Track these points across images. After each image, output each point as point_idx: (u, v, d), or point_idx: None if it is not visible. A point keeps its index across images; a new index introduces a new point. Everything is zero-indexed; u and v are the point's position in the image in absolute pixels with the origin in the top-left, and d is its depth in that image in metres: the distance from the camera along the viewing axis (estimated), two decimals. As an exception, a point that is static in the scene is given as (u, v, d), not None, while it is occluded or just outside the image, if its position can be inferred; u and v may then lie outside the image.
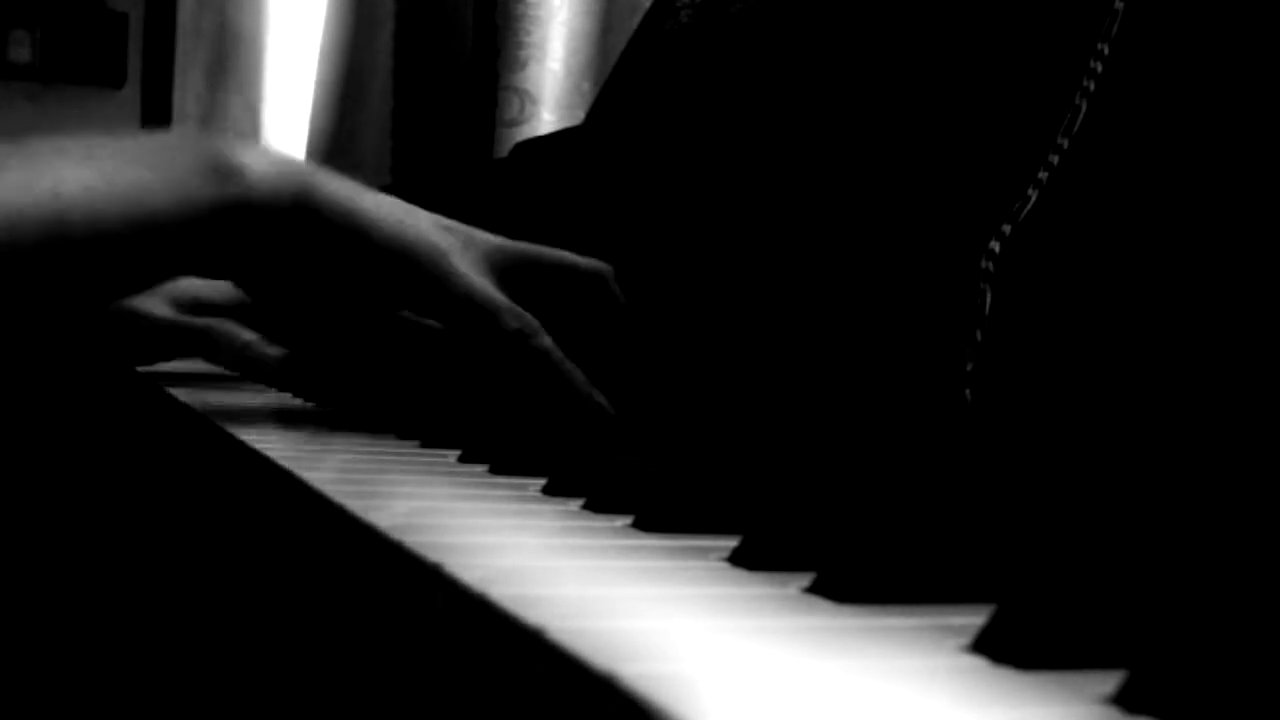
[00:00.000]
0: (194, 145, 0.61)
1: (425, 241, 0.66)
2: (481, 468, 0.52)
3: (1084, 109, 0.50)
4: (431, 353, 0.74)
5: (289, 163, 0.64)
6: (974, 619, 0.26)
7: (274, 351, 0.85)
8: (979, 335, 0.49)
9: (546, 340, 0.67)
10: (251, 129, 2.66)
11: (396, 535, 0.34)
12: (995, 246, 0.50)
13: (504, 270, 0.69)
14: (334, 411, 0.77)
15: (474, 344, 0.67)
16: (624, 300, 0.73)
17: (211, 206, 0.60)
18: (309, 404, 0.83)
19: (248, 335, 0.87)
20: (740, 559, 0.33)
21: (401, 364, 0.77)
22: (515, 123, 1.43)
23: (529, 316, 0.67)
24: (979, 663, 0.24)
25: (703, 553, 0.34)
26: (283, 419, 0.69)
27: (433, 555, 0.31)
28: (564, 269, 0.71)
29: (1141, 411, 0.42)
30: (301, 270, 0.66)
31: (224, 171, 0.61)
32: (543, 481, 0.46)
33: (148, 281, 0.62)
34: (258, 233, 0.62)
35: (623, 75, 1.01)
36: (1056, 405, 0.46)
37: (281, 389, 0.90)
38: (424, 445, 0.60)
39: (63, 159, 0.57)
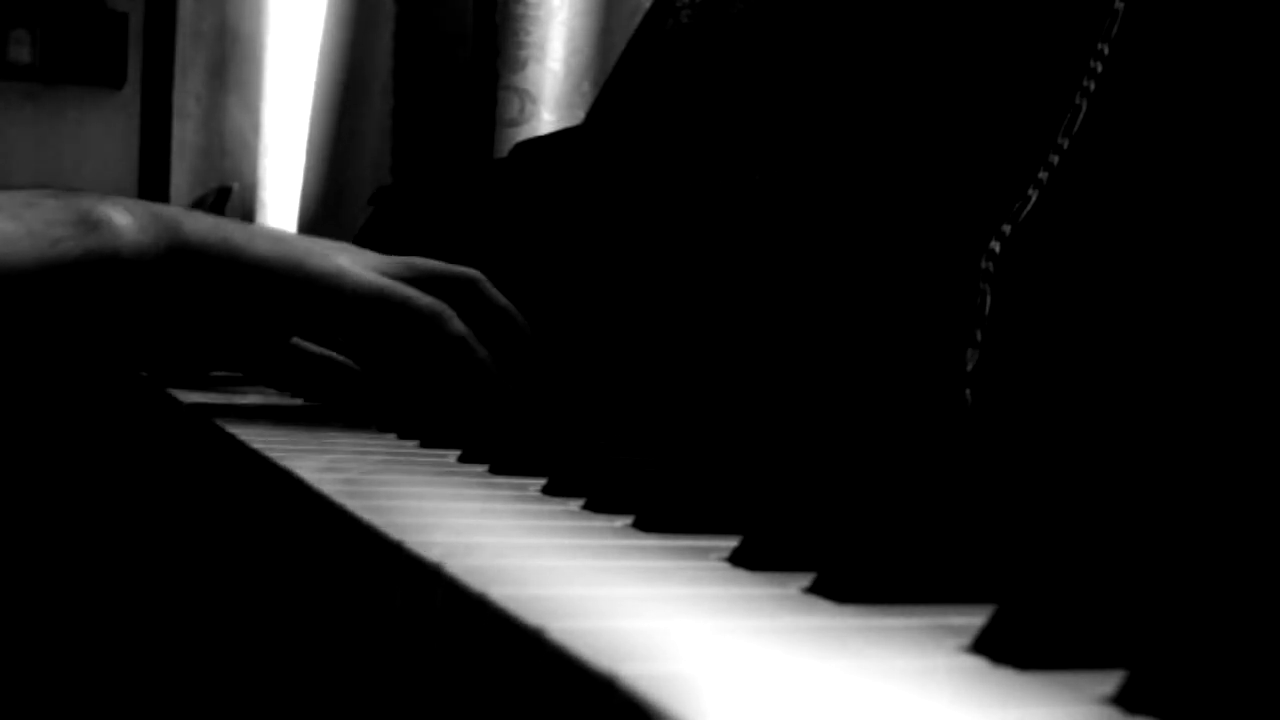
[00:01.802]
0: (60, 198, 0.62)
1: (311, 249, 0.67)
2: (481, 468, 0.52)
3: (1084, 109, 0.50)
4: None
5: (153, 211, 0.65)
6: (974, 619, 0.26)
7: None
8: (979, 335, 0.49)
9: (462, 326, 0.68)
10: (251, 129, 2.66)
11: (396, 535, 0.34)
12: (995, 246, 0.50)
13: (395, 275, 0.70)
14: (333, 410, 0.77)
15: (388, 336, 0.68)
16: (501, 300, 0.74)
17: (78, 257, 0.61)
18: (309, 402, 0.83)
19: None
20: (740, 559, 0.33)
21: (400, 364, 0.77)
22: (515, 123, 1.43)
23: (437, 301, 0.68)
24: (979, 663, 0.24)
25: (703, 553, 0.34)
26: (282, 418, 0.69)
27: (433, 555, 0.31)
28: (442, 277, 0.72)
29: (1142, 412, 0.42)
30: (185, 311, 0.67)
31: (89, 223, 0.62)
32: (543, 481, 0.46)
33: (20, 329, 0.63)
34: (131, 278, 0.63)
35: (623, 75, 1.01)
36: (1057, 405, 0.46)
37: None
38: (424, 445, 0.60)
39: None
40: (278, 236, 0.68)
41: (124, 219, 0.63)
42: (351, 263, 0.68)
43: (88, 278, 0.62)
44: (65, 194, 0.63)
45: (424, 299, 0.68)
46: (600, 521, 0.39)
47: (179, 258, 0.64)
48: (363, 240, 1.38)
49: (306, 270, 0.66)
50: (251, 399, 0.84)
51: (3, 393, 1.02)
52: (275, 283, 0.66)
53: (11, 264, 0.59)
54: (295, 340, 0.76)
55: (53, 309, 0.62)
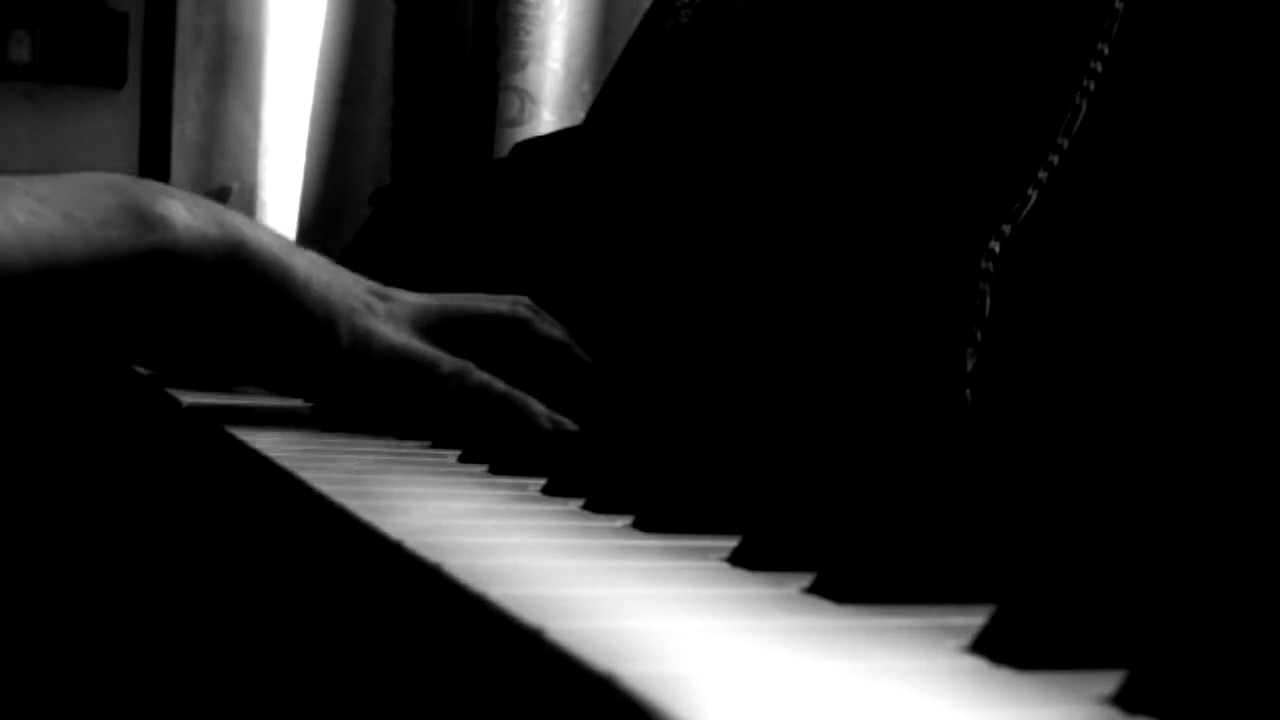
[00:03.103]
0: (117, 193, 0.61)
1: (348, 305, 0.66)
2: (481, 468, 0.52)
3: (1084, 109, 0.50)
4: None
5: (219, 215, 0.63)
6: (974, 619, 0.26)
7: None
8: (979, 335, 0.49)
9: (482, 375, 0.66)
10: (251, 129, 2.66)
11: (396, 535, 0.34)
12: (995, 246, 0.50)
13: (430, 328, 0.69)
14: (333, 412, 0.77)
15: (413, 398, 0.67)
16: (553, 334, 0.72)
17: (127, 257, 0.60)
18: (308, 404, 0.83)
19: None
20: (740, 559, 0.33)
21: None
22: (515, 123, 1.43)
23: (461, 360, 0.67)
24: (979, 663, 0.24)
25: (703, 553, 0.34)
26: (282, 419, 0.69)
27: (433, 555, 0.31)
28: (485, 319, 0.71)
29: (1141, 411, 0.42)
30: (225, 322, 0.65)
31: (144, 222, 0.60)
32: (543, 481, 0.46)
33: (67, 326, 0.62)
34: (181, 284, 0.62)
35: (622, 75, 1.01)
36: (1056, 405, 0.46)
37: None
38: (424, 445, 0.60)
39: None
40: (328, 277, 0.66)
41: (183, 216, 0.61)
42: (385, 321, 0.67)
43: (138, 273, 0.60)
44: (126, 187, 0.61)
45: (446, 366, 0.66)
46: (600, 521, 0.39)
47: (233, 268, 0.63)
48: (363, 240, 1.38)
49: (338, 332, 0.65)
50: (250, 400, 0.84)
51: (33, 384, 1.02)
52: (309, 323, 0.65)
53: (64, 261, 0.58)
54: None
55: (102, 305, 0.61)
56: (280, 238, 0.66)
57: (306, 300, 0.65)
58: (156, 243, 0.60)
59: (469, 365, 0.67)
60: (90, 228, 0.59)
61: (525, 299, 0.73)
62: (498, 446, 0.52)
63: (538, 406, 0.66)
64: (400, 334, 0.67)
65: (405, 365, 0.66)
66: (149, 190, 0.62)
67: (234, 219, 0.64)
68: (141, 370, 0.96)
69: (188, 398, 0.79)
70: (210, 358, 0.70)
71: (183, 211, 0.61)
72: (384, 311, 0.67)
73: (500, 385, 0.66)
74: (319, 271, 0.66)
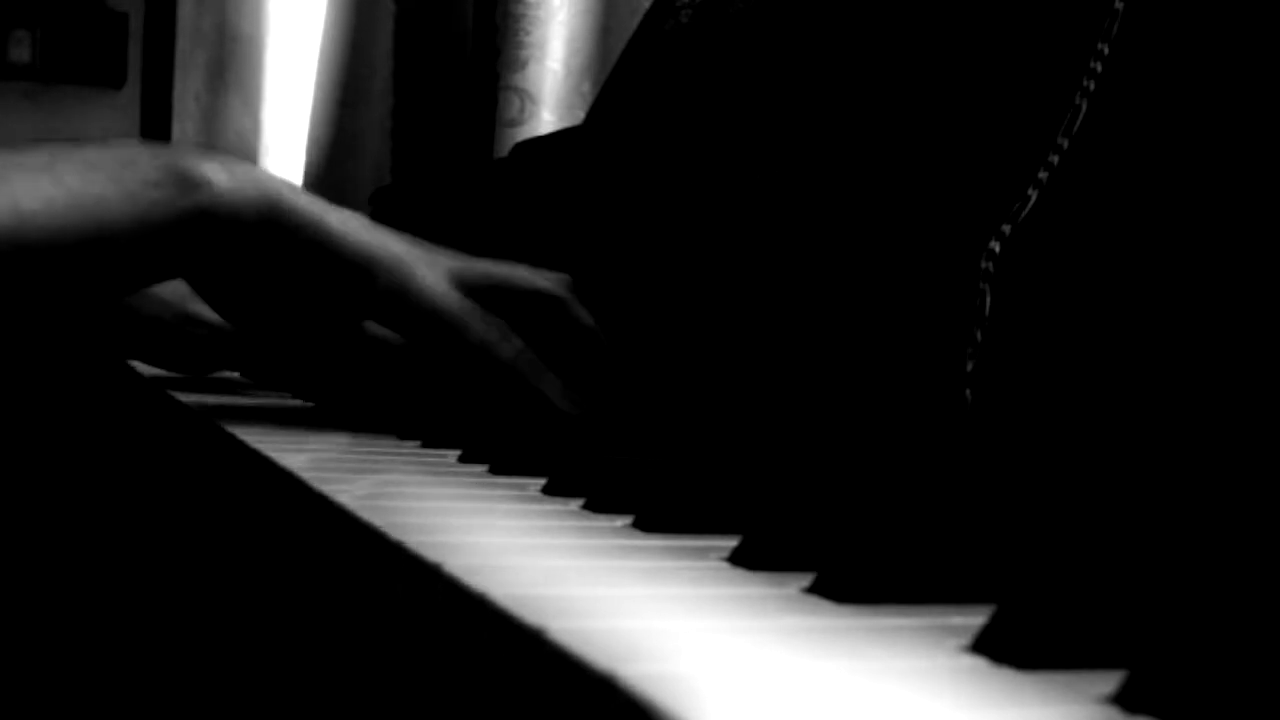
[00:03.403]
0: (158, 156, 0.61)
1: (389, 253, 0.66)
2: (481, 468, 0.52)
3: (1084, 109, 0.50)
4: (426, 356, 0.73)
5: (255, 175, 0.64)
6: (974, 619, 0.26)
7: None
8: (979, 335, 0.49)
9: (513, 347, 0.67)
10: (251, 129, 2.66)
11: (397, 535, 0.34)
12: (995, 246, 0.50)
13: (472, 287, 0.69)
14: (334, 412, 0.77)
15: (440, 355, 0.67)
16: (586, 319, 0.73)
17: (172, 218, 0.61)
18: (309, 404, 0.83)
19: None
20: (740, 559, 0.33)
21: (401, 365, 0.76)
22: (515, 123, 1.43)
23: (498, 323, 0.67)
24: (979, 663, 0.24)
25: (703, 553, 0.34)
26: (283, 419, 0.69)
27: (433, 555, 0.31)
28: (525, 291, 0.71)
29: (1141, 411, 0.42)
30: (265, 281, 0.66)
31: (186, 183, 0.61)
32: (543, 481, 0.46)
33: (112, 290, 0.63)
34: (221, 243, 0.63)
35: (622, 75, 1.01)
36: (1056, 405, 0.46)
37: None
38: (424, 445, 0.60)
39: (23, 173, 0.57)
40: (365, 232, 0.67)
41: (221, 178, 0.62)
42: (426, 273, 0.67)
43: (181, 235, 0.61)
44: (166, 150, 0.62)
45: (476, 328, 0.66)
46: (600, 521, 0.39)
47: (270, 228, 0.63)
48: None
49: (382, 271, 0.66)
50: (252, 400, 0.84)
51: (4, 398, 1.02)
52: (349, 277, 0.65)
53: (110, 225, 0.59)
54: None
55: (145, 265, 0.62)
56: (315, 199, 0.67)
57: (344, 251, 0.65)
58: (199, 203, 0.61)
59: (497, 336, 0.67)
60: (137, 189, 0.60)
61: (567, 278, 0.73)
62: (498, 446, 0.52)
63: (558, 388, 0.66)
64: (439, 286, 0.67)
65: (437, 322, 0.66)
66: (189, 152, 0.63)
67: (271, 179, 0.65)
68: (142, 370, 0.96)
69: (187, 398, 0.79)
70: (246, 317, 0.70)
71: (222, 172, 0.62)
72: (426, 263, 0.68)
73: (527, 360, 0.66)
74: (356, 227, 0.67)
